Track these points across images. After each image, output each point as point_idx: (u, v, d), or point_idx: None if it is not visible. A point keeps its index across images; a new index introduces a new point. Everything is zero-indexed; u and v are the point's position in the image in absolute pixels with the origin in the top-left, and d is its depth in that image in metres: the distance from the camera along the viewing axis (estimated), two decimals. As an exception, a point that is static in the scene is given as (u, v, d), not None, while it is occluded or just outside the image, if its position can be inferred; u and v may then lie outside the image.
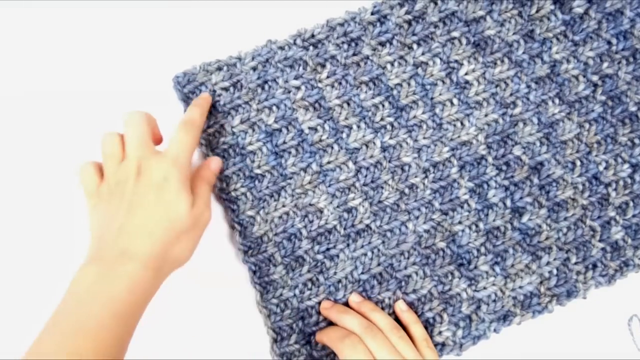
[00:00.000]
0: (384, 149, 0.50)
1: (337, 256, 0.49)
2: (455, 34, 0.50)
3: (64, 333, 0.37)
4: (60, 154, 0.51)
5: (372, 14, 0.50)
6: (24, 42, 0.52)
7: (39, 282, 0.49)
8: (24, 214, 0.50)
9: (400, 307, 0.48)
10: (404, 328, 0.46)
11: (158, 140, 0.46)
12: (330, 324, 0.48)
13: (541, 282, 0.48)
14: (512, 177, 0.49)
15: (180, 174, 0.41)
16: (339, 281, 0.48)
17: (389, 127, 0.50)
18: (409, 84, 0.50)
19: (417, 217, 0.49)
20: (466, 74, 0.50)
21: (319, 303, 0.48)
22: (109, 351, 0.37)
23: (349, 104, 0.50)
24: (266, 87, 0.50)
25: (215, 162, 0.47)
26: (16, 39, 0.52)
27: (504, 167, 0.49)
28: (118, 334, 0.38)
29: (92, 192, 0.43)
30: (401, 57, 0.50)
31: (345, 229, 0.49)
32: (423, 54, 0.50)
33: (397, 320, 0.47)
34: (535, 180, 0.49)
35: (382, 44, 0.50)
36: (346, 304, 0.48)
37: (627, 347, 0.49)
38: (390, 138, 0.50)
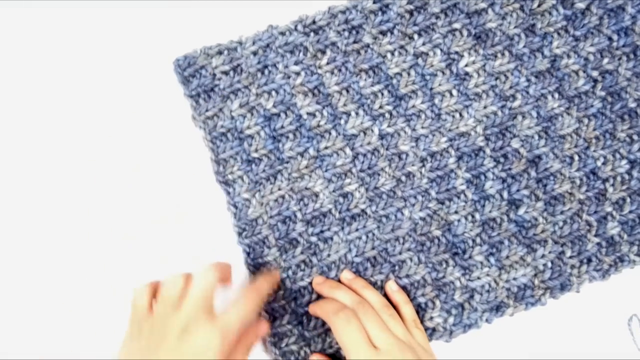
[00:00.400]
0: (381, 137, 0.50)
1: (331, 239, 0.49)
2: (457, 25, 0.50)
3: None
4: (62, 139, 0.51)
5: (374, 2, 0.51)
6: (22, 29, 0.53)
7: (39, 281, 0.50)
8: (24, 213, 0.51)
9: (391, 288, 0.48)
10: (395, 308, 0.46)
11: (226, 284, 0.45)
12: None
13: (535, 275, 0.48)
14: (510, 169, 0.49)
15: (222, 348, 0.40)
16: (333, 263, 0.49)
17: (387, 115, 0.50)
18: (408, 74, 0.50)
19: (413, 205, 0.49)
20: (466, 65, 0.50)
21: (312, 283, 0.48)
22: None
23: (348, 91, 0.50)
24: (266, 71, 0.50)
25: (263, 329, 0.46)
26: (14, 27, 0.53)
27: (502, 159, 0.49)
28: None
29: (137, 321, 0.42)
30: (402, 47, 0.50)
31: (340, 212, 0.49)
32: (424, 44, 0.51)
33: (388, 300, 0.47)
34: (533, 174, 0.49)
35: (383, 33, 0.50)
36: (339, 282, 0.48)
37: (627, 347, 0.49)
38: (389, 126, 0.50)
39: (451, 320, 0.48)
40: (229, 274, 0.45)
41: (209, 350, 0.39)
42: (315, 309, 0.47)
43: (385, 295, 0.48)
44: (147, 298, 0.42)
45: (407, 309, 0.47)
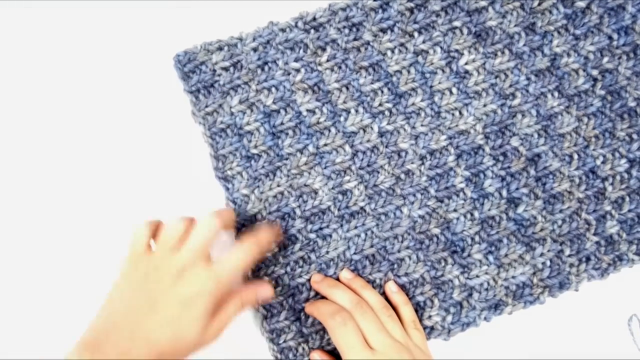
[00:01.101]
0: (381, 134, 0.50)
1: (330, 236, 0.49)
2: (457, 23, 0.50)
3: None
4: (61, 135, 0.51)
5: (375, 0, 0.51)
6: (22, 24, 0.52)
7: (41, 281, 0.50)
8: (23, 211, 0.51)
9: (391, 288, 0.48)
10: (394, 309, 0.46)
11: (228, 228, 0.45)
12: (321, 299, 0.48)
13: (534, 273, 0.48)
14: (509, 167, 0.49)
15: (214, 297, 0.41)
16: (331, 260, 0.49)
17: (387, 112, 0.50)
18: (408, 72, 0.50)
19: (412, 203, 0.49)
20: (466, 63, 0.50)
21: (310, 280, 0.48)
22: None
23: (347, 88, 0.50)
24: (266, 68, 0.50)
25: (264, 292, 0.45)
26: (13, 24, 0.52)
27: (501, 158, 0.49)
28: None
29: (133, 260, 0.42)
30: (402, 45, 0.50)
31: (339, 210, 0.49)
32: (424, 42, 0.50)
33: (387, 300, 0.47)
34: (532, 172, 0.49)
35: (383, 31, 0.50)
36: (337, 280, 0.48)
37: (627, 347, 0.49)
38: (388, 124, 0.50)
39: (449, 318, 0.48)
40: (231, 222, 0.45)
41: (201, 294, 0.40)
42: (311, 309, 0.47)
43: (385, 296, 0.48)
44: (146, 238, 0.43)
45: (407, 310, 0.47)
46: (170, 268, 0.41)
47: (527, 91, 0.50)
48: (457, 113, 0.50)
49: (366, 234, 0.49)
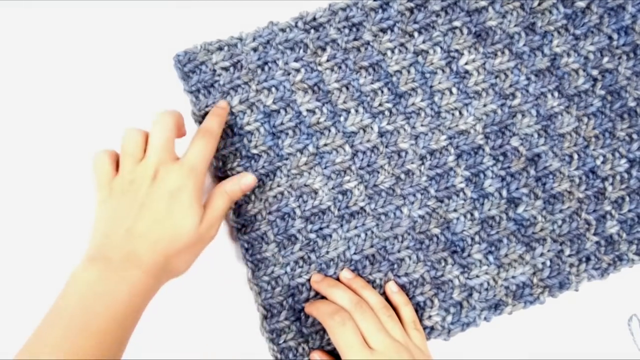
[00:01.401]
0: (381, 134, 0.50)
1: (330, 236, 0.49)
2: (457, 23, 0.50)
3: (65, 331, 0.36)
4: (61, 135, 0.51)
5: (375, 0, 0.51)
6: (21, 24, 0.52)
7: (42, 281, 0.50)
8: (22, 211, 0.51)
9: (391, 289, 0.48)
10: (394, 309, 0.46)
11: (181, 135, 0.46)
12: (321, 299, 0.48)
13: (534, 273, 0.48)
14: (509, 167, 0.49)
15: (195, 186, 0.41)
16: (331, 260, 0.49)
17: (387, 112, 0.50)
18: (408, 72, 0.50)
19: (412, 203, 0.49)
20: (466, 63, 0.50)
21: (310, 280, 0.48)
22: (109, 352, 0.37)
23: (347, 88, 0.50)
24: (266, 68, 0.50)
25: (246, 179, 0.46)
26: (12, 23, 0.52)
27: (501, 158, 0.49)
28: (119, 335, 0.38)
29: (104, 185, 0.42)
30: (402, 45, 0.50)
31: (339, 210, 0.49)
32: (424, 42, 0.50)
33: (388, 301, 0.47)
34: (532, 172, 0.49)
35: (383, 31, 0.50)
36: (337, 280, 0.48)
37: (627, 347, 0.49)
38: (388, 124, 0.50)
39: (449, 318, 0.48)
40: (182, 124, 0.45)
41: (183, 189, 0.41)
42: (311, 309, 0.47)
43: (385, 296, 0.48)
44: (108, 161, 0.43)
45: (407, 311, 0.47)
46: (143, 174, 0.41)
47: (527, 91, 0.50)
48: (457, 113, 0.50)
49: (366, 234, 0.49)
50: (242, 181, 0.46)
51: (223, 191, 0.44)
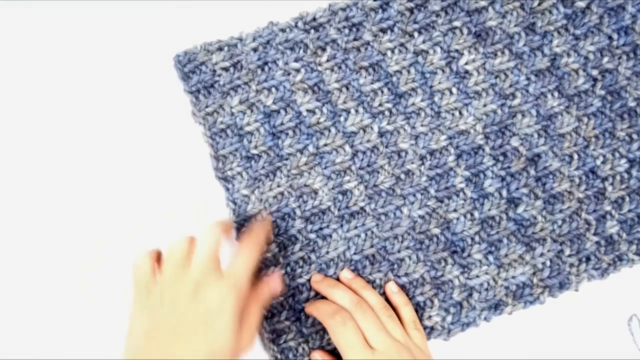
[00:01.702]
0: (381, 134, 0.50)
1: (330, 236, 0.49)
2: (457, 23, 0.50)
3: None
4: (61, 136, 0.51)
5: (375, 0, 0.51)
6: (21, 24, 0.52)
7: (43, 281, 0.50)
8: (26, 212, 0.51)
9: (391, 289, 0.48)
10: (394, 309, 0.46)
11: (227, 235, 0.45)
12: (321, 299, 0.48)
13: (534, 273, 0.48)
14: (509, 167, 0.49)
15: (236, 303, 0.40)
16: (331, 260, 0.49)
17: (387, 113, 0.50)
18: (408, 72, 0.50)
19: (412, 203, 0.49)
20: (466, 63, 0.50)
21: (310, 280, 0.48)
22: None
23: (347, 88, 0.50)
24: (266, 68, 0.50)
25: (275, 284, 0.45)
26: (12, 23, 0.52)
27: (501, 158, 0.49)
28: None
29: (142, 286, 0.41)
30: (402, 45, 0.50)
31: (339, 210, 0.49)
32: (424, 42, 0.50)
33: (387, 301, 0.47)
34: (532, 172, 0.49)
35: (383, 31, 0.50)
36: (337, 280, 0.48)
37: (627, 347, 0.49)
38: (388, 124, 0.50)
39: (449, 318, 0.48)
40: (230, 229, 0.45)
41: (223, 306, 0.39)
42: (311, 309, 0.47)
43: (385, 296, 0.48)
44: (149, 263, 0.42)
45: (407, 311, 0.47)
46: (184, 286, 0.40)
47: (527, 91, 0.50)
48: (457, 113, 0.50)
49: (366, 234, 0.49)
50: (271, 287, 0.45)
51: (260, 306, 0.43)
